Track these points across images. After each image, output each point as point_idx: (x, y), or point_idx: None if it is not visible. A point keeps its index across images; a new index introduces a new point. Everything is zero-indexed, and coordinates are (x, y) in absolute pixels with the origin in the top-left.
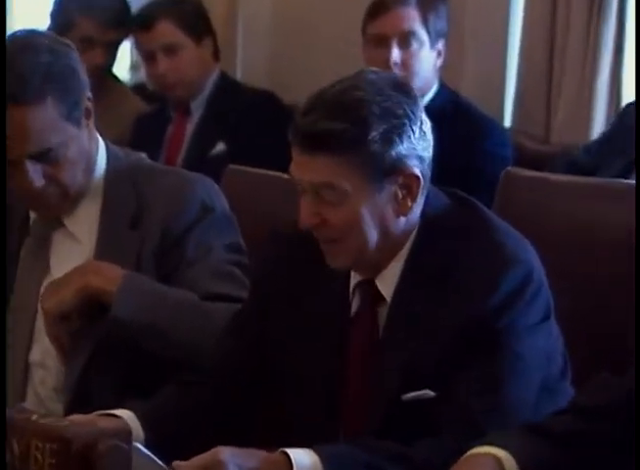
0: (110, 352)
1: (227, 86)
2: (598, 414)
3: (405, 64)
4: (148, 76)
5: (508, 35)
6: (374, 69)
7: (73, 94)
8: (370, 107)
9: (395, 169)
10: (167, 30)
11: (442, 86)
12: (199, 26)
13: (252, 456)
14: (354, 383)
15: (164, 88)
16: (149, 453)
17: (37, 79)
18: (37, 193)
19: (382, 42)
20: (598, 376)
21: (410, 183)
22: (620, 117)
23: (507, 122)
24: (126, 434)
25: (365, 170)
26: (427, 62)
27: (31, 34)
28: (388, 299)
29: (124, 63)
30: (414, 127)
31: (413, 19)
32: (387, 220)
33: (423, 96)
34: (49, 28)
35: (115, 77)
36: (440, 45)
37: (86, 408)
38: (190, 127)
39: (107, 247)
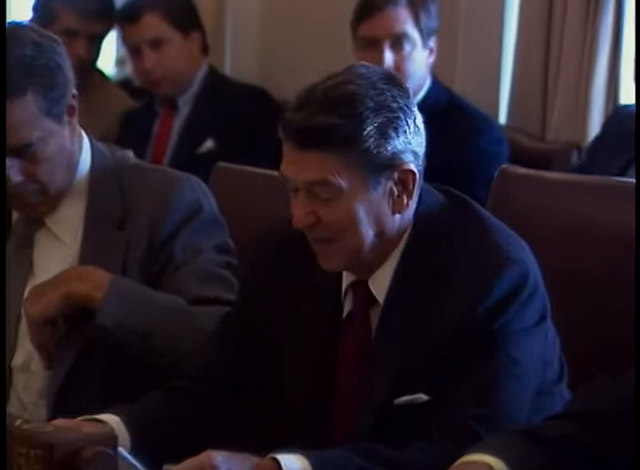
0: (95, 357)
1: (216, 82)
2: (593, 420)
3: (398, 66)
4: (134, 71)
5: (503, 31)
6: (364, 63)
7: (56, 90)
8: (364, 101)
9: (391, 165)
10: (154, 24)
11: (435, 83)
12: (186, 20)
13: (244, 461)
14: (346, 386)
15: (151, 83)
16: (135, 462)
17: (19, 73)
18: (14, 190)
19: (373, 44)
20: (594, 379)
21: (406, 179)
22: (610, 121)
23: (502, 119)
24: (112, 439)
25: (360, 166)
26: (419, 62)
27: (18, 27)
28: (381, 300)
29: (110, 58)
30: (409, 121)
31: (404, 20)
32: (382, 218)
33: (416, 94)
34: (31, 21)
35: (101, 72)
36: (432, 42)
37: (70, 413)
38: (177, 124)
39: (92, 248)
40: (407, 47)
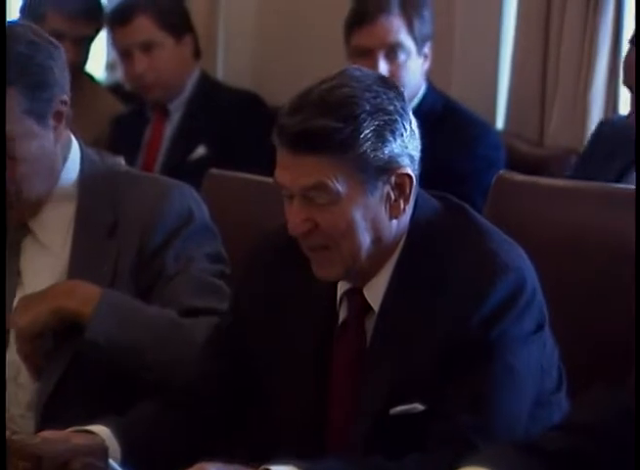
0: (83, 369)
1: (208, 87)
2: (592, 432)
3: (393, 75)
4: (125, 75)
5: (501, 34)
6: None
7: (43, 91)
8: (361, 103)
9: (388, 168)
10: (145, 27)
11: (431, 88)
12: (178, 23)
13: None
14: (340, 395)
15: (142, 88)
16: None
17: (8, 68)
18: None
19: (367, 54)
20: (593, 388)
21: (402, 183)
22: (596, 135)
23: (500, 125)
24: (101, 451)
25: (357, 170)
26: (414, 70)
27: (16, 25)
28: (376, 308)
29: (100, 62)
30: (405, 124)
31: (398, 29)
32: (379, 223)
33: (410, 100)
34: None
35: (90, 76)
36: (427, 48)
37: (58, 425)
38: (169, 129)
39: (82, 256)
40: (402, 56)
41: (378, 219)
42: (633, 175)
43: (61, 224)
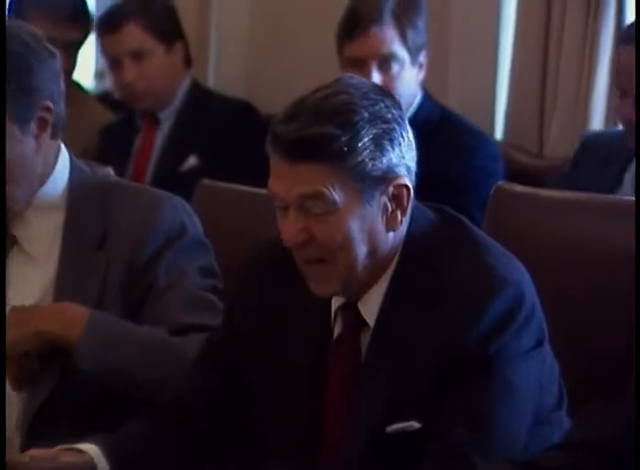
0: (72, 387)
1: (199, 95)
2: (591, 447)
3: (387, 87)
4: (114, 84)
5: (499, 43)
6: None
7: (25, 95)
8: (359, 110)
9: (386, 178)
10: (135, 34)
11: (426, 98)
12: (169, 30)
13: None
14: (334, 412)
15: (132, 97)
16: None
17: None
18: None
19: (360, 64)
20: (592, 405)
21: (400, 194)
22: (583, 147)
23: (498, 135)
24: (90, 469)
25: (355, 179)
26: (409, 80)
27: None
28: (372, 323)
29: (89, 70)
30: (403, 134)
31: (391, 40)
32: (376, 235)
33: (406, 110)
34: None
35: (78, 85)
36: (422, 57)
37: (45, 443)
38: (159, 139)
39: (70, 268)
40: (395, 67)
41: (374, 231)
42: (633, 175)
43: (47, 235)
